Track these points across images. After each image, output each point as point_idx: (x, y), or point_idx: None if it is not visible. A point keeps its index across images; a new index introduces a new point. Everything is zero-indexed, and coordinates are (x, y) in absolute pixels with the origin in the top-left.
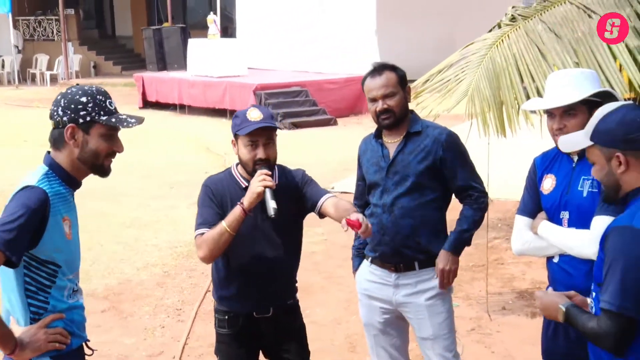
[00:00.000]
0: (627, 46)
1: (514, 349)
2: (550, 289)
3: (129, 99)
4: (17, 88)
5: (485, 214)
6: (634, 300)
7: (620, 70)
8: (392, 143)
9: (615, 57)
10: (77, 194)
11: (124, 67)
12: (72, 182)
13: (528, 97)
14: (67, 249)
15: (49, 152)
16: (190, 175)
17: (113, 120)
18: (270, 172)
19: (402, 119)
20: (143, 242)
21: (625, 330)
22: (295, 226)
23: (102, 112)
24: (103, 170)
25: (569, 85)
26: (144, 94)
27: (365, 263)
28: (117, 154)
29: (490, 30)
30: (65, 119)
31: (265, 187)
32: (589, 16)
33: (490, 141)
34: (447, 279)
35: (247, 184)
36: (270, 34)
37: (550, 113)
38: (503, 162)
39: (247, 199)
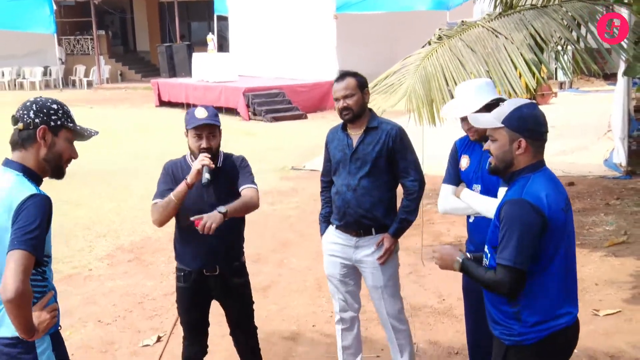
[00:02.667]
0: (524, 58)
1: (441, 286)
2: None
3: (148, 99)
4: (61, 91)
5: (421, 195)
6: (526, 257)
7: (520, 77)
8: (355, 135)
9: (516, 67)
10: (108, 170)
11: (143, 75)
12: (39, 181)
13: (452, 96)
14: (49, 240)
15: (8, 159)
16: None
17: (79, 127)
18: (209, 155)
19: (359, 115)
20: None
21: (518, 280)
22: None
23: (69, 120)
24: (61, 173)
25: (473, 94)
26: (159, 95)
27: (331, 228)
28: (74, 160)
29: (423, 47)
30: (37, 120)
31: (203, 165)
32: (496, 36)
33: (424, 129)
34: (387, 255)
35: None
36: (255, 49)
37: (462, 117)
38: (434, 145)
39: (190, 175)
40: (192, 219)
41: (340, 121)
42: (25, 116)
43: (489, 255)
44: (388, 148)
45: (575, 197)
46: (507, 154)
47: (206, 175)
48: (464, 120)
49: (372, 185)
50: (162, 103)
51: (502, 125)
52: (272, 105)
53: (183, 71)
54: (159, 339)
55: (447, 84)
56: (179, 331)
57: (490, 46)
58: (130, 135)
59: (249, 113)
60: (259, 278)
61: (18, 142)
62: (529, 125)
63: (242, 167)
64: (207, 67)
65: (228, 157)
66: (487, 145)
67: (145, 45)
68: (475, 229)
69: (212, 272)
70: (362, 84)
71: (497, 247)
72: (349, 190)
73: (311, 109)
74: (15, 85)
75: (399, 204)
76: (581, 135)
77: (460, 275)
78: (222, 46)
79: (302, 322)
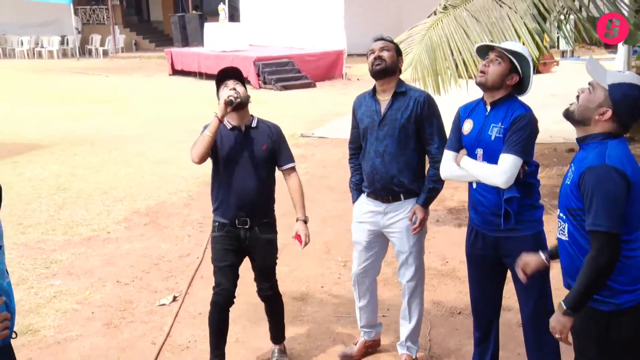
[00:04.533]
0: (527, 28)
1: (445, 250)
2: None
3: (162, 68)
4: (78, 60)
5: None
6: (618, 220)
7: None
8: (383, 100)
9: (519, 36)
10: (124, 137)
11: (157, 44)
12: None
13: (457, 66)
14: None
15: None
16: (204, 124)
17: None
18: (227, 100)
19: (390, 71)
20: (172, 174)
21: (616, 244)
22: (267, 163)
23: None
24: None
25: (509, 44)
26: (172, 64)
27: (363, 196)
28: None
29: (428, 17)
30: None
31: (229, 96)
32: (500, 6)
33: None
34: (420, 226)
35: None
36: (266, 18)
37: (486, 57)
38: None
39: (219, 110)
40: (293, 237)
41: (366, 88)
42: None
43: (564, 219)
44: (416, 114)
45: None
46: (590, 111)
47: (230, 98)
48: (486, 59)
49: (400, 152)
50: (175, 72)
51: (606, 88)
52: (282, 74)
53: (195, 41)
54: (174, 298)
55: (452, 54)
56: (194, 291)
57: (495, 16)
58: (145, 103)
59: (259, 82)
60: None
61: None
62: (627, 105)
63: (282, 141)
64: (219, 36)
65: (265, 121)
66: (580, 90)
67: (159, 15)
68: (477, 195)
69: (244, 225)
70: (398, 50)
71: (572, 210)
72: (377, 157)
73: (320, 77)
74: (33, 54)
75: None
76: None
77: (463, 240)
78: (233, 16)
79: (311, 283)
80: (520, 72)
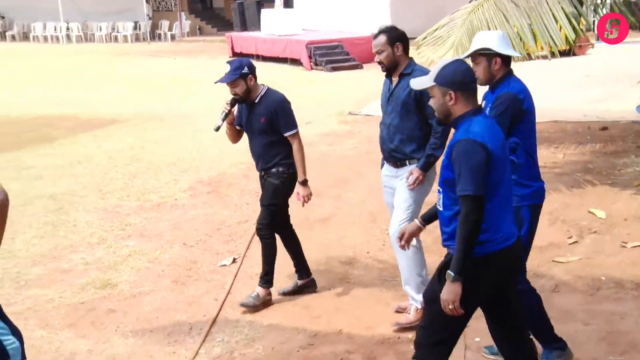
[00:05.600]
0: (564, 12)
1: None
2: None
3: (222, 51)
4: (149, 43)
5: (446, 134)
6: (481, 185)
7: (560, 29)
8: (394, 80)
9: (556, 20)
10: (189, 114)
11: (218, 29)
12: None
13: None
14: None
15: None
16: None
17: None
18: (228, 102)
19: (392, 67)
20: (231, 148)
21: (481, 205)
22: (267, 131)
23: None
24: None
25: (474, 44)
26: (232, 48)
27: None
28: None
29: (470, 1)
30: None
31: (230, 100)
32: None
33: None
34: (415, 184)
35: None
36: (318, 4)
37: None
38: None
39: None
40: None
41: None
42: None
43: (440, 191)
44: (415, 92)
45: (608, 141)
46: (442, 106)
47: (217, 122)
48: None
49: (402, 125)
50: (235, 54)
51: (435, 84)
52: (332, 56)
53: (253, 25)
54: (234, 260)
55: None
56: (252, 253)
57: (533, 0)
58: (208, 83)
59: (311, 63)
60: (320, 210)
61: None
62: (456, 79)
63: (281, 110)
64: (274, 21)
65: (268, 95)
66: (430, 102)
67: (220, 2)
68: None
69: (260, 173)
70: (392, 40)
71: (448, 182)
72: (385, 128)
73: (367, 59)
74: (110, 38)
75: None
76: (615, 83)
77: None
78: (288, 2)
79: (357, 249)
80: (498, 51)
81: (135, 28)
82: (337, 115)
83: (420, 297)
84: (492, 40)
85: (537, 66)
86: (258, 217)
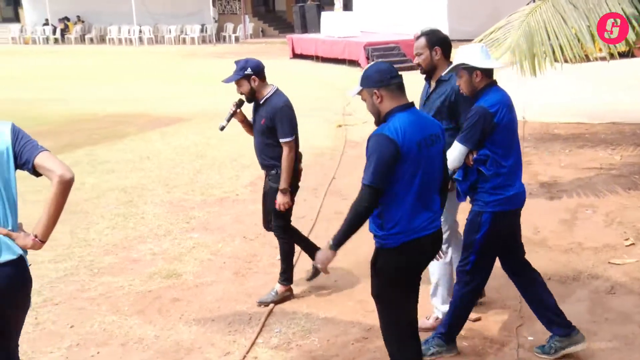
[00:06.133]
0: (625, 13)
1: (537, 220)
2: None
3: (283, 52)
4: (214, 45)
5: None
6: (381, 178)
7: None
8: (432, 85)
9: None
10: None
11: (280, 31)
12: None
13: (553, 51)
14: None
15: None
16: (322, 102)
17: None
18: (235, 103)
19: (429, 71)
20: None
21: (374, 196)
22: (267, 133)
23: None
24: None
25: (457, 57)
26: (293, 49)
27: None
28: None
29: (527, 4)
30: None
31: (237, 101)
32: None
33: (525, 80)
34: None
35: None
36: (376, 7)
37: None
38: (533, 95)
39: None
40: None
41: None
42: None
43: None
44: (450, 100)
45: None
46: (373, 106)
47: (222, 122)
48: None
49: None
50: (295, 55)
51: (362, 88)
52: (389, 57)
53: (313, 27)
54: None
55: (549, 39)
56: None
57: (592, 2)
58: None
59: (368, 64)
60: None
61: None
62: (375, 78)
63: (279, 117)
64: (334, 24)
65: (272, 98)
66: (367, 107)
67: (282, 5)
68: None
69: (265, 174)
70: (431, 43)
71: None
72: None
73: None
74: (179, 40)
75: None
76: None
77: (554, 212)
78: (347, 5)
79: None
80: (475, 65)
81: (202, 30)
82: None
83: (443, 309)
84: (470, 54)
85: (596, 68)
86: (272, 221)
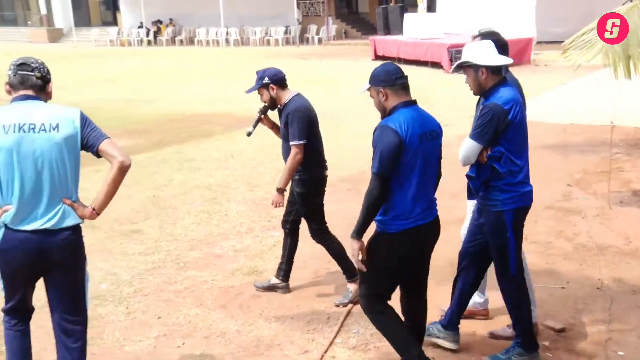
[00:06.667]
0: None
1: (628, 229)
2: None
3: (365, 54)
4: (297, 47)
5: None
6: (388, 167)
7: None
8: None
9: None
10: (330, 113)
11: (362, 33)
12: None
13: None
14: None
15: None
16: None
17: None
18: (260, 109)
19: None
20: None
21: (384, 184)
22: (287, 135)
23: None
24: None
25: (462, 55)
26: (375, 50)
27: None
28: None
29: (623, 4)
30: (48, 76)
31: (261, 108)
32: None
33: (617, 83)
34: None
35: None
36: (461, 8)
37: None
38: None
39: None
40: None
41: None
42: (45, 71)
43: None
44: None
45: None
46: (379, 103)
47: (249, 129)
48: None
49: None
50: (377, 57)
51: (370, 86)
52: None
53: (396, 29)
54: None
55: None
56: None
57: None
58: (350, 83)
59: (451, 66)
60: (456, 211)
61: (37, 87)
62: (381, 77)
63: (291, 120)
64: (417, 25)
65: (289, 103)
66: (374, 103)
67: (366, 7)
68: None
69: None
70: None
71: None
72: None
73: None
74: (263, 42)
75: None
76: None
77: None
78: (431, 7)
79: None
80: (477, 63)
81: (286, 32)
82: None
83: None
84: (475, 52)
85: None
86: (308, 226)
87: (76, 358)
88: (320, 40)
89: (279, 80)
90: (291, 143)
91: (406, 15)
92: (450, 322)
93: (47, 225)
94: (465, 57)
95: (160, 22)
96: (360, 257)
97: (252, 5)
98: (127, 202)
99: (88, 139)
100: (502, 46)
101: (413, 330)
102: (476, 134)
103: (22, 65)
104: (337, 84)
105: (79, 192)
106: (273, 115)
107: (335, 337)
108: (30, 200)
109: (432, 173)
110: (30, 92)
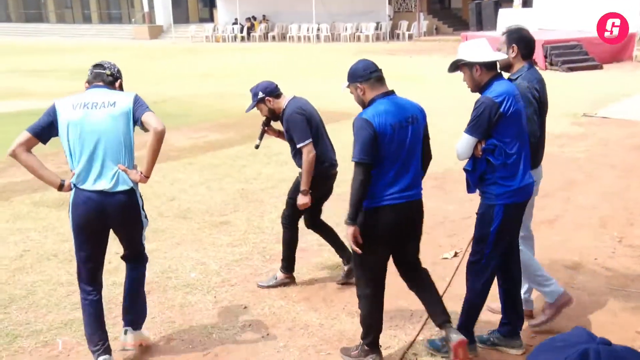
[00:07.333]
0: None
1: None
2: None
3: (455, 50)
4: (387, 43)
5: None
6: (367, 154)
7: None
8: None
9: None
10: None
11: (454, 29)
12: None
13: None
14: None
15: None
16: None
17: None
18: (264, 123)
19: (503, 68)
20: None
21: (365, 170)
22: (290, 140)
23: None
24: None
25: (457, 55)
26: None
27: None
28: None
29: None
30: (118, 75)
31: (263, 122)
32: None
33: None
34: None
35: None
36: (558, 4)
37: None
38: None
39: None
40: None
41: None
42: (114, 70)
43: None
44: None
45: None
46: (358, 98)
47: (256, 141)
48: None
49: None
50: None
51: (349, 83)
52: (569, 56)
53: (489, 25)
54: (455, 254)
55: None
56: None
57: None
58: (440, 81)
59: (546, 63)
60: (546, 212)
61: (108, 81)
62: (357, 74)
63: (290, 125)
64: (511, 21)
65: (285, 109)
66: (354, 99)
67: (458, 2)
68: None
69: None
70: (510, 40)
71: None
72: None
73: (607, 60)
74: (354, 38)
75: None
76: None
77: None
78: (527, 2)
79: (584, 254)
80: (469, 61)
81: (376, 28)
82: (570, 116)
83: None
84: (468, 50)
85: None
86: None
87: (134, 286)
88: (410, 37)
89: (272, 92)
90: (299, 146)
91: (501, 11)
92: (509, 328)
93: (106, 187)
94: (459, 56)
95: (254, 18)
96: (355, 241)
97: (344, 2)
98: (218, 195)
99: (135, 114)
100: (527, 43)
101: (435, 310)
102: (470, 128)
103: (97, 66)
104: (427, 80)
105: (134, 160)
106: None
107: (418, 334)
108: (91, 165)
109: (412, 157)
110: (100, 84)
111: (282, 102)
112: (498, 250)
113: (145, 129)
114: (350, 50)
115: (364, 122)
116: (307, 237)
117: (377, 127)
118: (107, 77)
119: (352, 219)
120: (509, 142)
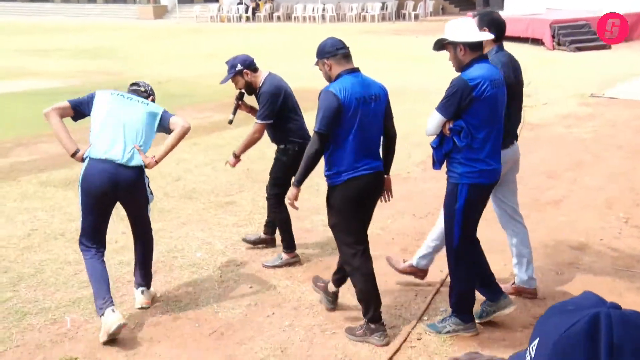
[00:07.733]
0: None
1: None
2: None
3: None
4: (393, 23)
5: None
6: (326, 125)
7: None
8: None
9: None
10: (423, 90)
11: (461, 9)
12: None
13: None
14: None
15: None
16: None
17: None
18: (236, 96)
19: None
20: None
21: (322, 140)
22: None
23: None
24: None
25: (444, 34)
26: None
27: None
28: None
29: None
30: (151, 92)
31: (237, 95)
32: None
33: None
34: None
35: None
36: None
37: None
38: None
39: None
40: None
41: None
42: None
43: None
44: None
45: None
46: (326, 74)
47: (230, 116)
48: None
49: None
50: None
51: (317, 59)
52: (577, 36)
53: (496, 5)
54: None
55: None
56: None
57: None
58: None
59: (553, 43)
60: (551, 192)
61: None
62: (325, 51)
63: (259, 100)
64: (519, 0)
65: (263, 86)
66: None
67: None
68: None
69: None
70: (481, 23)
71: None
72: None
73: (616, 40)
74: (359, 18)
75: None
76: None
77: None
78: None
79: (590, 235)
80: (452, 40)
81: (382, 8)
82: (577, 97)
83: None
84: (450, 29)
85: None
86: (267, 188)
87: (146, 255)
88: (416, 17)
89: (250, 65)
90: (257, 120)
91: None
92: (492, 293)
93: (120, 159)
94: (445, 35)
95: None
96: (293, 202)
97: None
98: (223, 175)
99: (163, 117)
100: (498, 25)
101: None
102: (440, 106)
103: (134, 84)
104: (434, 60)
105: (147, 152)
106: (250, 99)
107: (422, 314)
108: (113, 140)
109: (375, 132)
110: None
111: (260, 77)
112: (469, 230)
113: (169, 132)
114: (356, 31)
115: (329, 94)
116: (312, 218)
117: (342, 99)
118: (142, 92)
119: (299, 183)
120: (477, 125)
